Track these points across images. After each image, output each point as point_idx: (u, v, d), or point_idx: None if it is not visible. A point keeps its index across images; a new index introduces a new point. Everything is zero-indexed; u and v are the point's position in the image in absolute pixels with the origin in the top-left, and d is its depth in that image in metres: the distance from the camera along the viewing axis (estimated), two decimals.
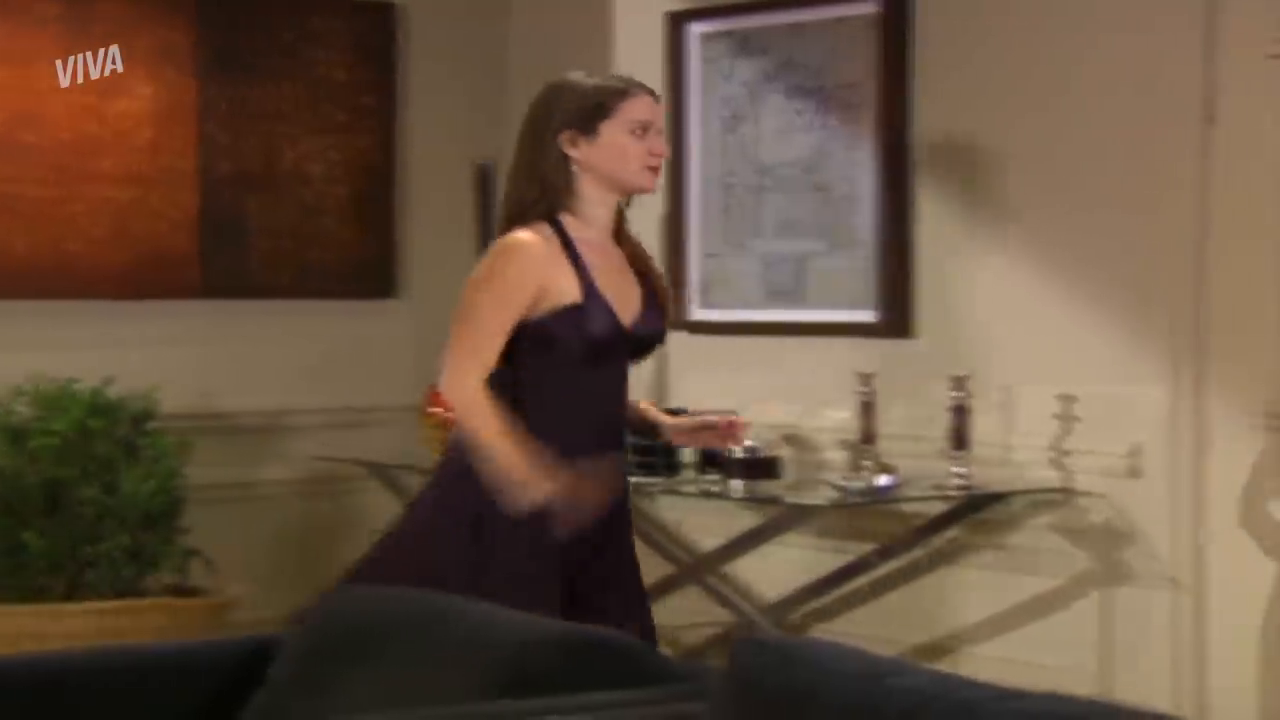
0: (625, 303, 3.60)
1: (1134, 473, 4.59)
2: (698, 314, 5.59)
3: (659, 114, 3.63)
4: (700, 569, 5.37)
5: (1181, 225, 4.48)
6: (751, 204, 5.45)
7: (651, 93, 3.62)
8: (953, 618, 4.93)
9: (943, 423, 4.78)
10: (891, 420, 4.96)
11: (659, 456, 5.13)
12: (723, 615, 5.35)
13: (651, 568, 5.41)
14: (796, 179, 5.33)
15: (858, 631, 4.83)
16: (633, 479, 5.08)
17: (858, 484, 4.75)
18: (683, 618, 5.18)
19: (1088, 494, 4.67)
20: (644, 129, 3.58)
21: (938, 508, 4.84)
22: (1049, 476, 4.74)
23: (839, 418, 5.11)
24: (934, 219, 5.01)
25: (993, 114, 4.88)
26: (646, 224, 5.62)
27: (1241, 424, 4.40)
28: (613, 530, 3.68)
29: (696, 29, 5.64)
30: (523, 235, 3.53)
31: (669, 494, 5.14)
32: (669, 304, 3.73)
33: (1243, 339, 4.41)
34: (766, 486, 4.83)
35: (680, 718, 2.84)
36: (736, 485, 4.83)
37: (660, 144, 3.61)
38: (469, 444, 3.54)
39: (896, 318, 5.05)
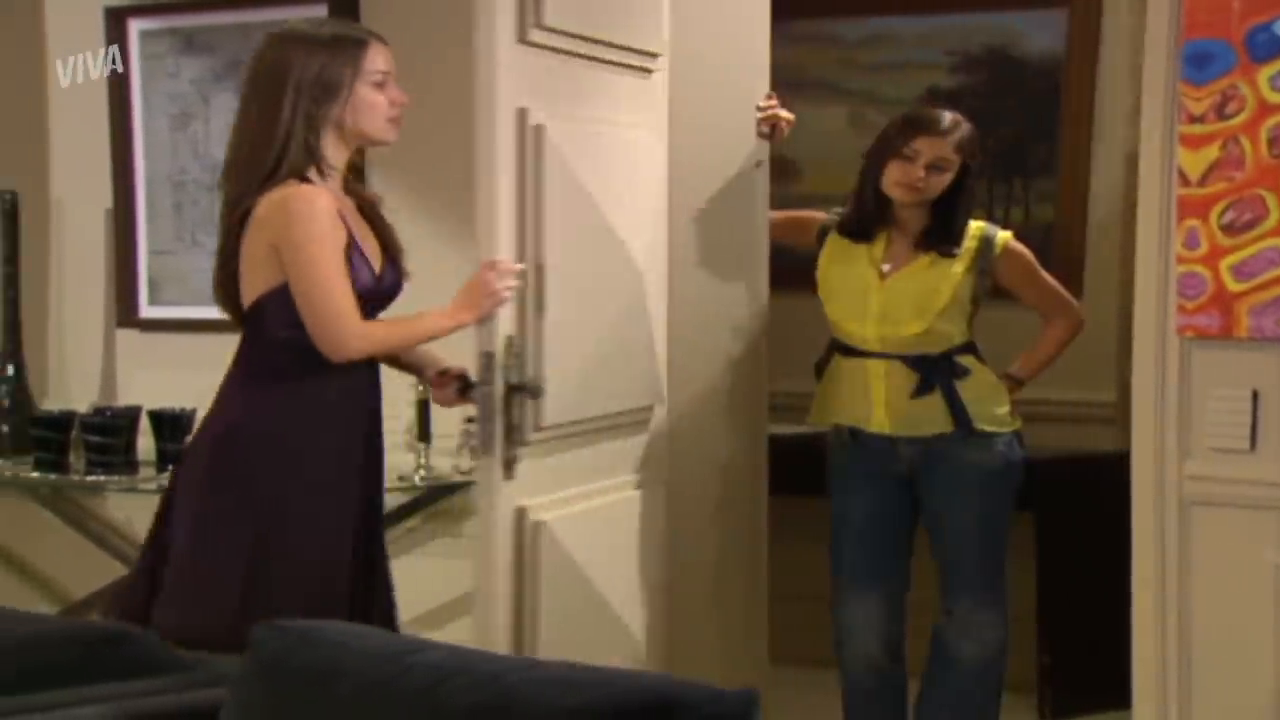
0: (374, 254, 3.69)
1: None
2: (148, 311, 5.56)
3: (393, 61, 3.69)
4: None
5: None
6: (205, 201, 5.45)
7: (383, 39, 3.67)
8: (408, 607, 5.06)
9: (406, 416, 4.92)
10: None
11: (118, 455, 5.09)
12: None
13: (105, 570, 5.39)
14: None
15: None
16: (90, 478, 5.07)
17: None
18: None
19: None
20: (385, 79, 3.64)
21: (399, 499, 4.96)
22: None
23: None
24: None
25: None
26: (92, 219, 5.61)
27: None
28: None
29: (137, 25, 5.60)
30: (310, 186, 3.55)
31: (128, 492, 5.11)
32: (399, 248, 3.78)
33: None
34: None
35: (197, 705, 2.89)
36: None
37: (400, 93, 3.67)
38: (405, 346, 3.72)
39: None
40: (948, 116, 4.42)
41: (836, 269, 4.47)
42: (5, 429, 5.39)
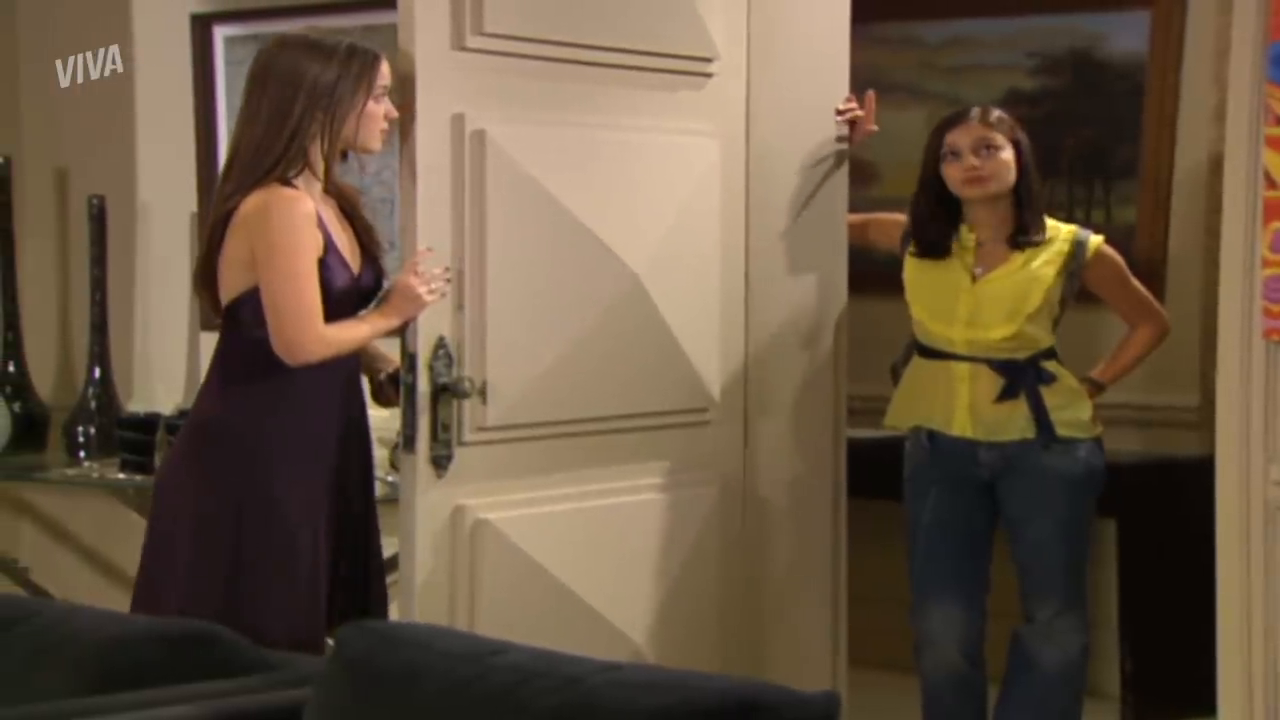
0: (352, 254, 3.70)
1: None
2: None
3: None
4: None
5: None
6: None
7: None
8: None
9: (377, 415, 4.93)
10: None
11: None
12: None
13: None
14: None
15: None
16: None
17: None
18: None
19: None
20: (385, 93, 3.66)
21: None
22: None
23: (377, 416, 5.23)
24: None
25: None
26: (178, 223, 5.67)
27: None
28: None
29: (221, 31, 5.65)
30: (294, 191, 3.56)
31: None
32: (378, 245, 3.79)
33: None
34: None
35: (281, 705, 2.92)
36: None
37: (392, 107, 3.68)
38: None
39: None
40: (971, 108, 4.44)
41: (926, 270, 4.45)
42: (92, 431, 5.47)
